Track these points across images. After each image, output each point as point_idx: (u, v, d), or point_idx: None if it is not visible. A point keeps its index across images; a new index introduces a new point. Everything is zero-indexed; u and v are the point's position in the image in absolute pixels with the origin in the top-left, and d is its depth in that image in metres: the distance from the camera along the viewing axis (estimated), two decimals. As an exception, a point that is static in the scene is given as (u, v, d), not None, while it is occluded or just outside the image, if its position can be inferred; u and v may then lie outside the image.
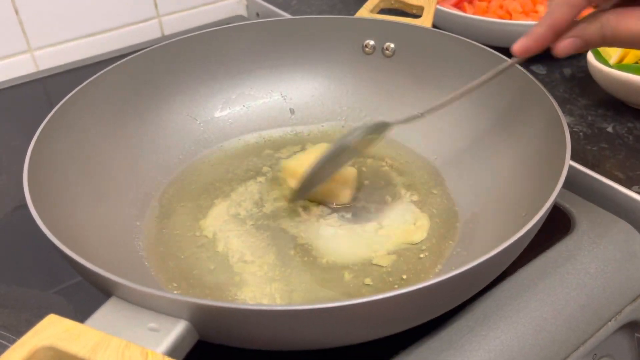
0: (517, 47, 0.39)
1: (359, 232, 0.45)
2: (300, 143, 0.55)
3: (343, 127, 0.57)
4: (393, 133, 0.54)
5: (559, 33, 0.37)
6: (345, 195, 0.47)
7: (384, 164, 0.52)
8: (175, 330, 0.29)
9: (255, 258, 0.43)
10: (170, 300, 0.29)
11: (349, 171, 0.48)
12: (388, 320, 0.32)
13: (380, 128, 0.46)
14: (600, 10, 0.37)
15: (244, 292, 0.40)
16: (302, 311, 0.28)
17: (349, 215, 0.47)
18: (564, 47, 0.37)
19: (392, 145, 0.54)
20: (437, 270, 0.42)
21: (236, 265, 0.43)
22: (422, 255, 0.43)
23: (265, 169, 0.52)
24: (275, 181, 0.51)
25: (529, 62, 0.63)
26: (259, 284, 0.41)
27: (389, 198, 0.48)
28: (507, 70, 0.42)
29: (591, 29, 0.36)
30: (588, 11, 0.38)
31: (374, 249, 0.44)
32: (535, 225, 0.33)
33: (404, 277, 0.41)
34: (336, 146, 0.44)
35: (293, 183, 0.47)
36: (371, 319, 0.30)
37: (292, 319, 0.29)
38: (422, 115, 0.45)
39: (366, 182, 0.50)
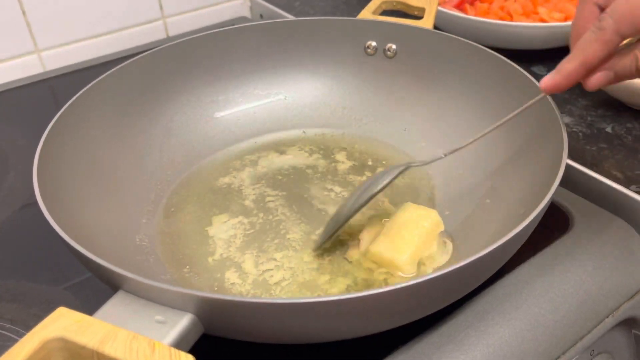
0: (545, 83, 0.37)
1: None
2: (303, 143, 0.56)
3: (343, 134, 0.57)
4: (393, 137, 0.55)
5: (591, 70, 0.35)
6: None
7: (382, 166, 0.53)
8: (181, 322, 0.29)
9: (258, 259, 0.44)
10: (176, 294, 0.29)
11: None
12: (388, 314, 0.33)
13: (402, 171, 0.43)
14: (635, 42, 0.35)
15: (247, 293, 0.41)
16: (305, 304, 0.29)
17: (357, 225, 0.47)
18: (595, 81, 0.35)
19: (392, 147, 0.55)
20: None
21: (239, 266, 0.43)
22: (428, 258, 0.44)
23: (268, 170, 0.53)
24: (278, 183, 0.51)
25: (529, 63, 0.64)
26: (260, 285, 0.42)
27: (391, 199, 0.49)
28: (536, 103, 0.41)
29: (624, 62, 0.34)
30: None
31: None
32: (532, 222, 0.33)
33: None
34: (365, 197, 0.42)
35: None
36: (373, 312, 0.31)
37: (296, 312, 0.29)
38: (445, 156, 0.43)
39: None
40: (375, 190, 0.42)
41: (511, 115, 0.42)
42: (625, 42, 0.35)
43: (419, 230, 0.42)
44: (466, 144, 0.43)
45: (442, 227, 0.44)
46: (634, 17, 0.32)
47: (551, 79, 0.37)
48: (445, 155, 0.43)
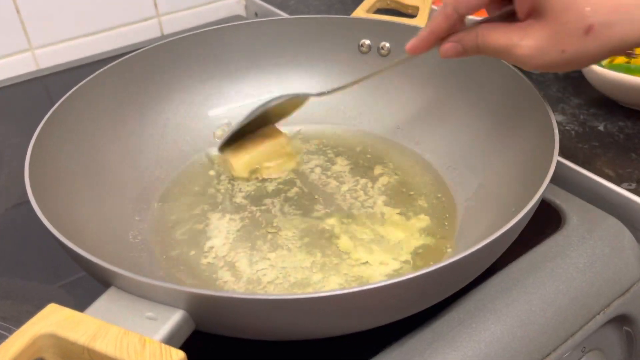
0: (408, 45, 0.43)
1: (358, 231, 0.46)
2: (296, 141, 0.56)
3: (337, 132, 0.58)
4: (389, 132, 0.56)
5: (440, 37, 0.41)
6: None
7: (379, 161, 0.53)
8: (172, 319, 0.29)
9: (252, 258, 0.44)
10: (167, 290, 0.29)
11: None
12: (380, 310, 0.33)
13: (297, 98, 0.51)
14: (481, 21, 0.40)
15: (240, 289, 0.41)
16: (296, 300, 0.29)
17: (348, 220, 0.48)
18: (445, 49, 0.41)
19: (386, 145, 0.55)
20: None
21: (232, 264, 0.43)
22: (420, 250, 0.44)
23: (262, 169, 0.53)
24: (272, 181, 0.51)
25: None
26: (253, 283, 0.42)
27: (384, 196, 0.49)
28: (408, 61, 0.44)
29: (468, 37, 0.39)
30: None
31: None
32: (522, 218, 0.33)
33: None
34: (259, 108, 0.49)
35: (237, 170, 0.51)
36: (363, 308, 0.31)
37: (287, 308, 0.30)
38: (328, 92, 0.49)
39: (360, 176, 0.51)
40: (269, 105, 0.49)
41: (383, 68, 0.46)
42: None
43: (262, 145, 0.51)
44: (354, 81, 0.48)
45: (288, 149, 0.52)
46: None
47: (412, 41, 0.42)
48: (328, 92, 0.49)
